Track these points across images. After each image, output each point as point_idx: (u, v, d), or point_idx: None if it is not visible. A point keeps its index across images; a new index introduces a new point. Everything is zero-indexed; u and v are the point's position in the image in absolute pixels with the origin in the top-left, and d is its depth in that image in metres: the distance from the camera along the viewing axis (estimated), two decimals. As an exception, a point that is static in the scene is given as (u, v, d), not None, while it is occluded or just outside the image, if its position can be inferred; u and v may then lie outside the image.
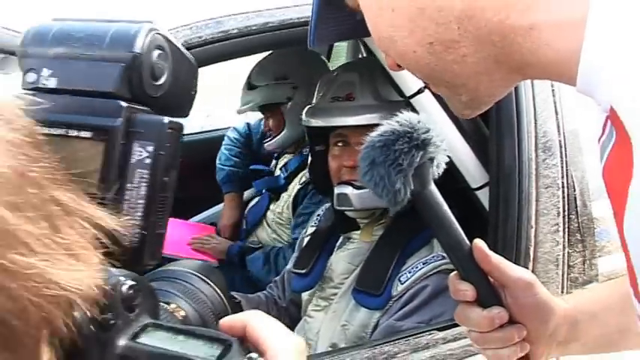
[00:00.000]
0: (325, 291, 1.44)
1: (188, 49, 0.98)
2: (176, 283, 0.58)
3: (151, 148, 0.41)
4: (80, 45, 0.43)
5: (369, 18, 0.57)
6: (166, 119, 0.42)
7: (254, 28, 1.00)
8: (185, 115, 0.47)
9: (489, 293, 0.68)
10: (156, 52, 0.43)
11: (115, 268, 0.40)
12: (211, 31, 0.98)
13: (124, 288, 0.40)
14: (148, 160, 0.41)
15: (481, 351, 0.73)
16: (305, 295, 1.50)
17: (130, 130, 0.41)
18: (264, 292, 1.71)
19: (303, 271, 1.45)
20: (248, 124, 2.46)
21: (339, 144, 1.40)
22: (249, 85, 2.15)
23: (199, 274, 0.59)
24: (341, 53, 2.76)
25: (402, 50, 0.55)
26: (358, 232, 1.41)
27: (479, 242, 0.68)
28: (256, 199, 2.30)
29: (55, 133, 0.40)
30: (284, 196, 2.14)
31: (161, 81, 0.44)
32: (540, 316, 0.70)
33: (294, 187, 2.10)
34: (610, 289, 0.78)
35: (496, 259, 0.68)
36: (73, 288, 0.33)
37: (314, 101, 1.49)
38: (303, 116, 1.45)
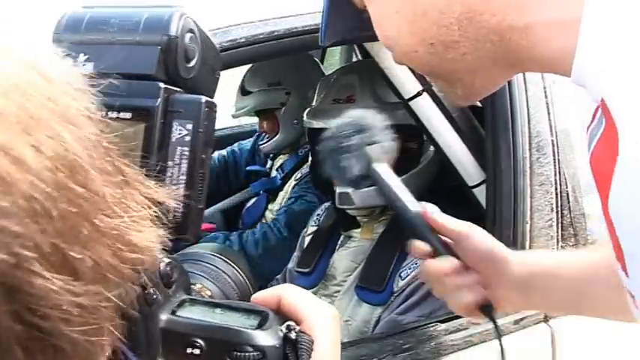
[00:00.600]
0: (328, 289, 1.48)
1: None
2: (198, 265, 0.59)
3: (190, 126, 0.43)
4: (115, 30, 0.44)
5: (374, 18, 0.61)
6: (203, 98, 0.44)
7: (260, 36, 1.05)
8: (211, 96, 0.48)
9: (441, 248, 0.78)
10: (188, 35, 0.45)
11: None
12: (219, 40, 1.02)
13: (162, 265, 0.42)
14: (187, 138, 0.43)
15: (443, 299, 0.82)
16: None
17: (168, 109, 0.43)
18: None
19: (307, 270, 1.50)
20: (233, 151, 2.47)
21: None
22: (243, 91, 2.18)
23: (220, 256, 0.61)
24: (334, 54, 2.80)
25: (404, 49, 0.60)
26: (359, 230, 1.46)
27: (428, 206, 0.80)
28: (253, 200, 2.33)
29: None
30: (281, 194, 2.18)
31: (192, 63, 0.46)
32: (490, 262, 0.79)
33: (290, 185, 2.14)
34: (577, 258, 0.85)
35: (442, 218, 0.79)
36: (148, 250, 0.34)
37: (314, 103, 1.54)
38: (305, 118, 1.49)
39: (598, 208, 0.51)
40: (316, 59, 2.44)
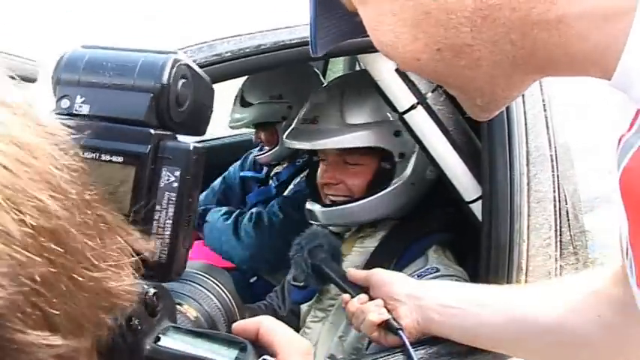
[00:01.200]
0: (323, 302, 1.45)
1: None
2: (186, 285, 0.60)
3: (177, 173, 0.45)
4: (111, 74, 0.46)
5: (367, 23, 0.52)
6: (192, 146, 0.46)
7: (247, 50, 1.02)
8: (203, 132, 0.51)
9: (355, 290, 1.08)
10: (181, 82, 0.46)
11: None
12: (205, 54, 0.99)
13: (149, 295, 0.45)
14: (175, 184, 0.45)
15: (359, 328, 1.05)
16: (304, 306, 1.52)
17: (158, 155, 0.45)
18: (264, 301, 1.73)
19: (302, 284, 1.47)
20: (224, 178, 2.44)
21: (321, 161, 1.45)
22: (243, 102, 2.13)
23: (208, 276, 0.62)
24: (338, 65, 2.76)
25: (405, 58, 0.51)
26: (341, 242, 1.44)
27: (349, 270, 1.13)
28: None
29: (87, 157, 0.42)
30: None
31: (184, 107, 0.47)
32: (387, 291, 1.02)
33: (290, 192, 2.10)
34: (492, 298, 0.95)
35: (353, 274, 1.11)
36: (125, 296, 0.36)
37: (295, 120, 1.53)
38: (284, 135, 1.49)
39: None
40: (316, 70, 2.40)
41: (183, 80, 0.46)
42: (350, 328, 1.33)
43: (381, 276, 1.06)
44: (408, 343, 0.96)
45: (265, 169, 2.30)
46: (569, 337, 0.83)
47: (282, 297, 1.69)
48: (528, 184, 1.10)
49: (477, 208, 1.23)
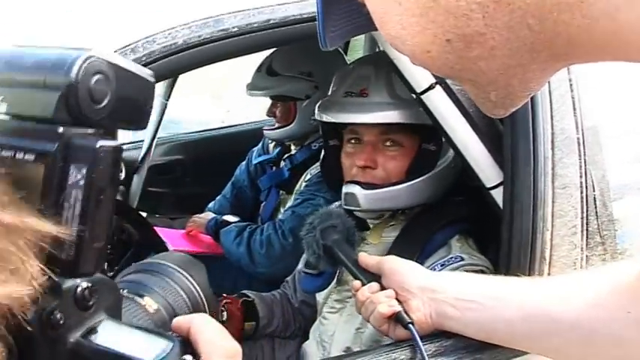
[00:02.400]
0: (341, 294, 1.40)
1: (187, 48, 0.96)
2: (154, 277, 0.62)
3: (84, 171, 0.45)
4: (26, 71, 0.47)
5: (374, 14, 0.48)
6: (99, 143, 0.46)
7: (255, 25, 0.97)
8: (142, 127, 0.51)
9: (367, 277, 1.05)
10: (95, 78, 0.46)
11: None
12: (211, 30, 0.95)
13: (79, 289, 0.46)
14: (81, 182, 0.45)
15: (368, 320, 1.02)
16: (320, 297, 1.47)
17: (66, 153, 0.45)
18: (279, 290, 1.69)
19: (315, 272, 1.42)
20: (232, 184, 2.40)
21: (352, 141, 1.36)
22: (270, 70, 2.04)
23: (179, 268, 0.63)
24: (358, 47, 2.71)
25: (413, 51, 0.47)
26: (368, 232, 1.37)
27: (361, 255, 1.10)
28: (266, 197, 2.24)
29: (5, 155, 0.45)
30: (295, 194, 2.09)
31: (103, 103, 0.47)
32: (399, 281, 0.99)
33: (301, 185, 2.05)
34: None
35: (366, 259, 1.08)
36: (5, 301, 0.37)
37: (329, 94, 1.46)
38: (316, 110, 1.41)
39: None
40: (340, 50, 2.33)
41: (99, 76, 0.46)
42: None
43: (394, 264, 1.02)
44: (418, 338, 0.92)
45: (277, 149, 2.22)
46: (594, 335, 0.77)
47: (294, 287, 1.65)
48: (553, 168, 1.04)
49: (498, 195, 1.17)
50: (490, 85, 0.47)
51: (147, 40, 0.92)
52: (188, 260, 0.65)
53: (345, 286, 1.39)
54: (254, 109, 2.49)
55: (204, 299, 0.62)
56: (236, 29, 0.96)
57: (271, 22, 0.98)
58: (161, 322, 0.57)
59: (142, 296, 0.58)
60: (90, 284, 0.47)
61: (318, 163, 1.89)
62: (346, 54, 2.54)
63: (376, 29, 0.49)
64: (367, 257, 1.08)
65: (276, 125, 2.07)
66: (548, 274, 1.03)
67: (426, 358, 0.90)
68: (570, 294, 0.82)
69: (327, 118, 1.36)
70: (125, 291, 0.58)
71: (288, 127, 2.04)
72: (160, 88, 2.56)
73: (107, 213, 0.47)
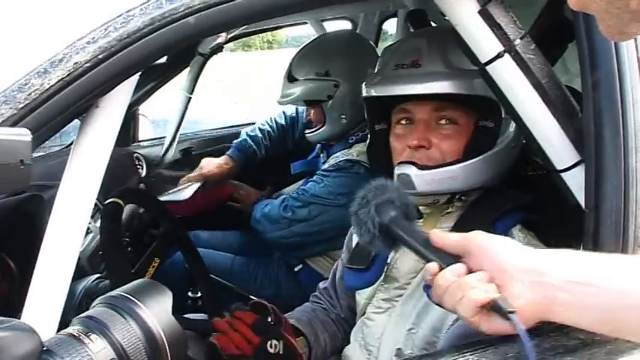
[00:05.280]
0: (389, 292, 1.28)
1: (191, 14, 0.83)
2: (110, 311, 0.63)
3: None
4: None
5: None
6: None
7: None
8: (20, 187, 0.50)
9: (446, 262, 0.84)
10: None
11: None
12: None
13: None
14: None
15: (452, 311, 0.83)
16: (362, 296, 1.34)
17: None
18: (313, 306, 1.54)
19: (362, 267, 1.29)
20: (297, 109, 2.44)
21: (403, 122, 1.24)
22: (290, 77, 2.07)
23: (137, 301, 0.63)
24: (388, 38, 2.63)
25: None
26: (421, 222, 1.24)
27: (432, 232, 0.88)
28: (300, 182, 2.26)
29: None
30: None
31: None
32: (492, 261, 0.80)
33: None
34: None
35: (440, 237, 0.86)
36: None
37: (375, 71, 1.34)
38: (362, 87, 1.29)
39: None
40: (371, 43, 2.29)
41: None
42: (422, 319, 1.16)
43: (484, 241, 0.83)
44: (523, 331, 0.74)
45: (318, 146, 2.25)
46: None
47: (335, 293, 1.51)
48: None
49: (570, 178, 1.04)
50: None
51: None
52: (152, 287, 0.66)
53: (395, 284, 1.27)
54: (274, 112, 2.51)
55: (162, 334, 0.62)
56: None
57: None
58: None
59: (89, 335, 0.60)
60: None
61: (345, 150, 2.01)
62: (377, 45, 2.47)
63: None
64: (445, 234, 0.87)
65: (313, 128, 2.11)
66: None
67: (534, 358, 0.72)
68: None
69: (376, 92, 1.24)
70: (76, 328, 0.61)
71: (321, 130, 2.07)
72: (183, 81, 2.49)
73: None
